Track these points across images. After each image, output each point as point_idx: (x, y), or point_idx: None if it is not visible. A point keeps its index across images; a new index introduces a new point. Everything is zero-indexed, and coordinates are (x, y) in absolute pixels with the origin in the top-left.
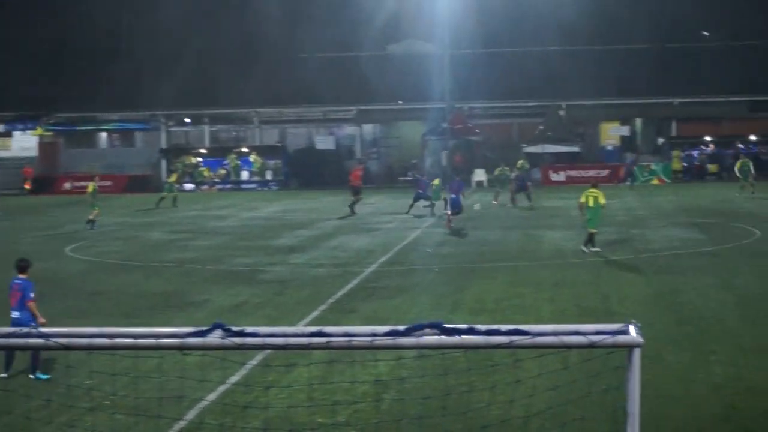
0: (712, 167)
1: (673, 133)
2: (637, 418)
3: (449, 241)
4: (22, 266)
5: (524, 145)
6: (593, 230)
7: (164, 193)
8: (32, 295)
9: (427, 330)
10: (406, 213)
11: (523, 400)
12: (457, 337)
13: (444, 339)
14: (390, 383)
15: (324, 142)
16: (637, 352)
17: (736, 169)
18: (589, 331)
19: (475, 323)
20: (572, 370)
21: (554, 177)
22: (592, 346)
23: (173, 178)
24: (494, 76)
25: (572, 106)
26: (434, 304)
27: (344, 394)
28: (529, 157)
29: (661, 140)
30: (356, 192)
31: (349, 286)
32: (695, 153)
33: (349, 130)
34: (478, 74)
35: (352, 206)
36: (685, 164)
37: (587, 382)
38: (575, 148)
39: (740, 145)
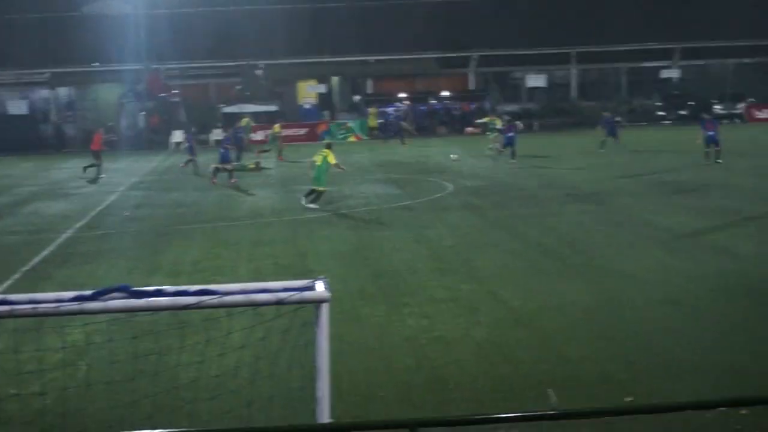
0: (407, 123)
1: (369, 90)
2: (326, 371)
3: (147, 203)
4: None
5: (222, 105)
6: (317, 188)
7: None
8: None
9: (115, 294)
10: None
11: (215, 360)
12: (145, 299)
13: (132, 302)
14: (84, 349)
15: (17, 106)
16: (324, 306)
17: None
18: (277, 288)
19: (174, 286)
20: (265, 327)
21: (253, 137)
22: (280, 302)
23: None
24: (191, 37)
25: (269, 65)
26: (131, 268)
27: (37, 363)
28: (227, 117)
29: (357, 98)
30: (97, 156)
31: (45, 252)
32: (390, 110)
33: (43, 93)
34: (174, 35)
35: (88, 167)
36: (380, 121)
37: (280, 339)
38: (273, 107)
39: (435, 101)
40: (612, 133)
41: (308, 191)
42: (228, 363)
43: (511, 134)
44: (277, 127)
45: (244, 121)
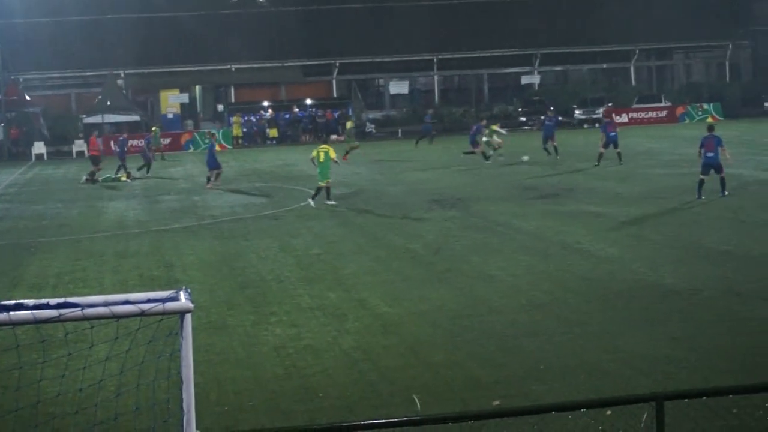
0: (271, 131)
1: (232, 99)
2: (191, 382)
3: (8, 216)
4: None
5: (84, 116)
6: (322, 183)
7: None
8: None
9: None
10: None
11: (80, 373)
12: (4, 313)
13: None
14: None
15: None
16: (188, 317)
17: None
18: (140, 299)
19: (36, 299)
20: (130, 339)
21: (114, 147)
22: (143, 314)
23: None
24: (51, 46)
25: (130, 74)
26: None
27: None
28: (88, 127)
29: (220, 107)
30: (96, 161)
31: None
32: (254, 118)
33: None
34: (33, 44)
35: (92, 176)
36: (245, 129)
37: (146, 350)
38: (135, 117)
39: (296, 110)
40: (549, 134)
41: (316, 189)
42: (93, 376)
43: (472, 132)
44: (349, 123)
45: (154, 130)
